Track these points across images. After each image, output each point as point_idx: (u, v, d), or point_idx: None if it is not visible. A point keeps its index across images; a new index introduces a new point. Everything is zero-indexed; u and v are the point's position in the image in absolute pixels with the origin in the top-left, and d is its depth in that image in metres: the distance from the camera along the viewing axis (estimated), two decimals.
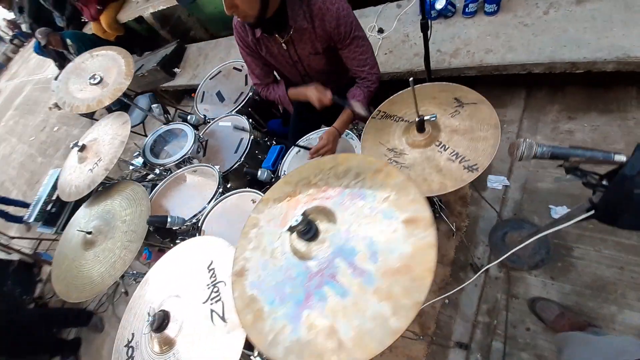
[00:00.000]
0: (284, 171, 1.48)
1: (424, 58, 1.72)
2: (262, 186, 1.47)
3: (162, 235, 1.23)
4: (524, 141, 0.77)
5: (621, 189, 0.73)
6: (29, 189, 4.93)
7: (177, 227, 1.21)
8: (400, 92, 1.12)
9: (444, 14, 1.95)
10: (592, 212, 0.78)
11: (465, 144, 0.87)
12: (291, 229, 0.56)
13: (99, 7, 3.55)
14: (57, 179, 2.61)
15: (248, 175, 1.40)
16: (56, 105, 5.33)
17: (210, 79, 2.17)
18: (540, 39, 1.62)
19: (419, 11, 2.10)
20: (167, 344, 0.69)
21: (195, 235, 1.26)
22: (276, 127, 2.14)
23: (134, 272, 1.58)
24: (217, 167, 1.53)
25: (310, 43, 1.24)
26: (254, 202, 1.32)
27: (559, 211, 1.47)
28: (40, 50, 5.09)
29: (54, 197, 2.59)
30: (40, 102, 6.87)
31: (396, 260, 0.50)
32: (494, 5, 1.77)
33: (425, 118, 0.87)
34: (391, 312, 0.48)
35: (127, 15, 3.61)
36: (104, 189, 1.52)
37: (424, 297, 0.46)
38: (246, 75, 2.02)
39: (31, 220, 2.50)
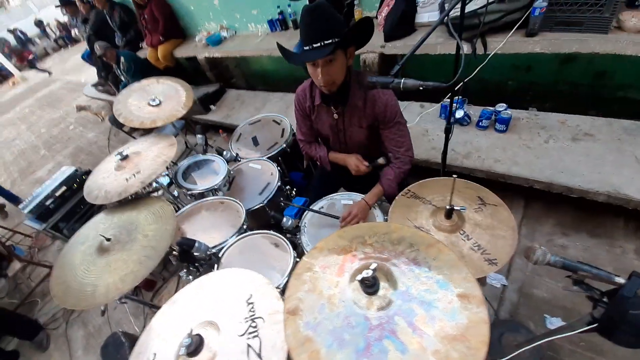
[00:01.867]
0: (305, 223, 1.57)
1: (442, 153, 1.97)
2: (279, 232, 1.54)
3: (181, 258, 1.25)
4: (539, 247, 0.91)
5: (618, 307, 0.84)
6: (20, 177, 4.82)
7: (198, 254, 1.24)
8: (431, 178, 1.30)
9: (461, 122, 2.30)
10: (595, 324, 0.87)
11: (487, 238, 1.00)
12: (362, 281, 0.64)
13: (161, 39, 4.03)
14: (73, 177, 2.63)
15: (273, 219, 1.48)
16: (82, 108, 5.56)
17: (249, 124, 2.40)
18: (541, 161, 1.90)
19: (439, 114, 2.50)
20: None
21: (213, 266, 1.28)
22: (297, 179, 2.30)
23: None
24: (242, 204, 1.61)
25: (357, 119, 1.46)
26: (277, 246, 1.38)
27: (553, 322, 1.54)
28: (89, 58, 5.56)
29: (57, 194, 2.56)
30: (64, 100, 7.12)
31: (453, 328, 0.57)
32: (504, 125, 2.12)
33: (456, 208, 1.02)
34: None
35: (183, 52, 4.08)
36: (132, 200, 1.57)
37: None
38: (283, 129, 2.25)
39: (27, 210, 2.43)
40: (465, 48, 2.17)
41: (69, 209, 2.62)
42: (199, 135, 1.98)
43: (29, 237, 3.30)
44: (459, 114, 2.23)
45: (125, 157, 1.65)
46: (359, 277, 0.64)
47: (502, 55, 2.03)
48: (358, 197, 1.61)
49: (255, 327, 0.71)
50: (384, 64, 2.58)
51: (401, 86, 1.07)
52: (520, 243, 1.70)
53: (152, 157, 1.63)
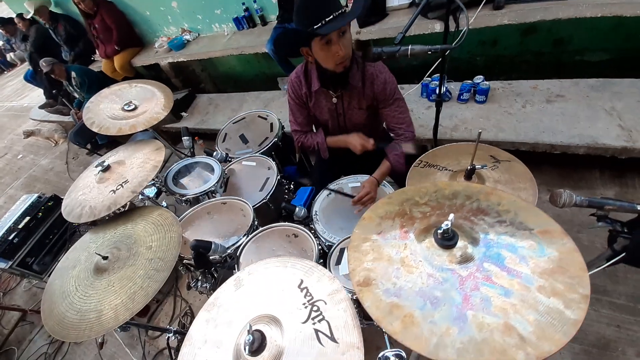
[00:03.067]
0: (315, 211, 1.52)
1: (434, 127, 2.02)
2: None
3: (198, 264, 1.13)
4: (564, 191, 0.94)
5: None
6: None
7: (215, 257, 1.14)
8: (442, 146, 1.31)
9: (442, 98, 2.37)
10: (622, 255, 0.92)
11: (509, 192, 1.02)
12: (441, 235, 0.60)
13: (117, 48, 3.74)
14: (37, 205, 2.35)
15: (284, 210, 1.41)
16: (31, 134, 5.04)
17: (233, 123, 2.29)
18: (523, 125, 2.01)
19: (420, 93, 2.56)
20: None
21: (233, 268, 1.18)
22: (291, 172, 2.24)
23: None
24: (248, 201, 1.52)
25: (357, 99, 1.44)
26: (296, 236, 1.31)
27: None
28: (32, 78, 5.04)
29: (21, 225, 2.26)
30: (7, 128, 6.37)
31: (547, 262, 0.56)
32: (483, 96, 2.21)
33: (477, 167, 1.02)
34: (563, 305, 0.53)
35: (143, 60, 3.82)
36: (121, 214, 1.42)
37: (588, 291, 0.52)
38: (271, 124, 2.17)
39: None
40: (438, 26, 2.24)
41: (36, 240, 2.32)
42: (185, 137, 1.84)
43: None
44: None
45: (106, 169, 1.48)
46: (437, 231, 0.61)
47: (471, 31, 2.12)
48: (365, 177, 1.58)
49: (317, 310, 0.65)
50: (360, 50, 2.60)
51: (409, 52, 1.07)
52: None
53: (138, 164, 1.49)
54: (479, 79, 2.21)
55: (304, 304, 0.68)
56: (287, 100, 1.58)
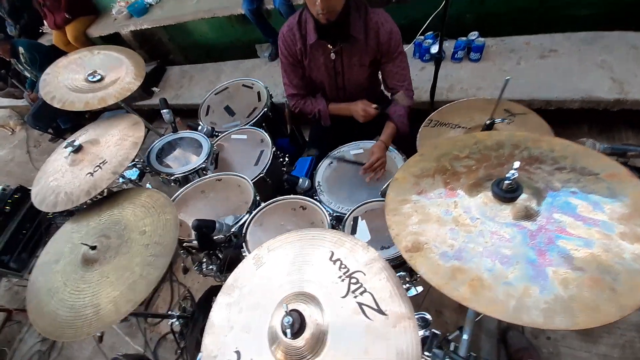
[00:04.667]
0: (319, 181, 1.43)
1: (431, 88, 1.94)
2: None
3: (202, 245, 1.03)
4: (587, 139, 0.90)
5: None
6: None
7: (220, 236, 1.04)
8: (450, 104, 1.23)
9: (436, 57, 2.27)
10: None
11: None
12: (506, 186, 0.54)
13: (67, 16, 3.27)
14: (1, 199, 2.09)
15: (287, 182, 1.31)
16: None
17: (215, 94, 2.09)
18: (519, 82, 1.97)
19: (412, 54, 2.44)
20: (314, 347, 0.55)
21: (241, 247, 1.09)
22: (284, 144, 2.11)
23: None
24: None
25: (358, 55, 1.31)
26: (303, 208, 1.23)
27: None
28: None
29: None
30: None
31: (623, 207, 0.52)
32: (478, 53, 2.14)
33: (497, 120, 0.96)
34: None
35: (100, 30, 3.38)
36: (104, 199, 1.27)
37: None
38: (258, 92, 2.00)
39: None
40: None
41: (8, 237, 2.10)
42: (164, 111, 1.65)
43: None
44: (434, 49, 2.19)
45: (78, 149, 1.30)
46: (499, 184, 0.55)
47: None
48: (368, 144, 1.50)
49: (357, 282, 0.59)
50: None
51: None
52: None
53: (115, 142, 1.31)
54: (473, 34, 2.12)
55: (339, 277, 0.61)
56: (280, 60, 1.43)
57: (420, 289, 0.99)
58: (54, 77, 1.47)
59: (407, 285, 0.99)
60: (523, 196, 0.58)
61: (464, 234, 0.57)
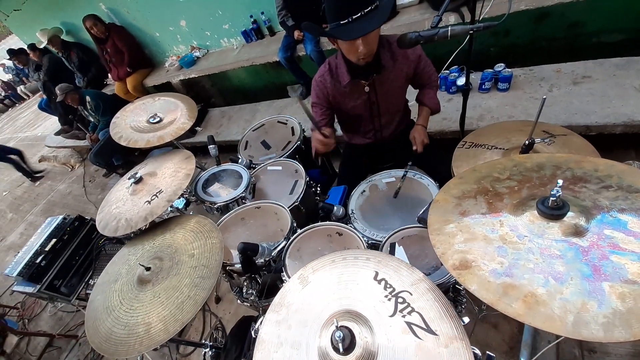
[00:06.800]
0: (352, 209, 1.47)
1: (460, 117, 1.98)
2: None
3: (244, 269, 1.09)
4: (633, 162, 0.88)
5: None
6: None
7: (261, 260, 1.09)
8: (485, 126, 1.26)
9: (463, 89, 2.33)
10: None
11: None
12: (552, 203, 0.55)
13: (129, 70, 3.82)
14: (62, 227, 2.34)
15: (323, 210, 1.37)
16: (45, 159, 5.13)
17: (253, 131, 2.27)
18: (553, 109, 1.95)
19: (439, 87, 2.52)
20: None
21: (280, 271, 1.13)
22: (315, 175, 2.20)
23: None
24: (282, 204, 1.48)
25: (391, 80, 1.41)
26: (340, 234, 1.26)
27: None
28: (46, 106, 5.17)
29: (47, 248, 2.25)
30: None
31: None
32: (507, 83, 2.17)
33: (537, 140, 0.97)
34: None
35: (154, 80, 3.88)
36: (157, 225, 1.39)
37: None
38: (292, 127, 2.15)
39: (15, 273, 2.09)
40: (453, 18, 2.23)
41: (62, 262, 2.30)
42: (211, 146, 1.83)
43: (14, 309, 2.88)
44: (461, 81, 2.26)
45: (139, 180, 1.46)
46: (544, 202, 0.56)
47: (482, 21, 2.10)
48: (398, 172, 1.54)
49: (403, 302, 0.60)
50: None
51: (449, 34, 1.03)
52: None
53: (170, 174, 1.47)
54: (500, 66, 2.17)
55: (386, 296, 0.62)
56: (311, 100, 1.56)
57: (466, 319, 0.95)
58: (122, 120, 1.72)
59: None
60: (570, 214, 0.57)
61: (512, 251, 0.57)
